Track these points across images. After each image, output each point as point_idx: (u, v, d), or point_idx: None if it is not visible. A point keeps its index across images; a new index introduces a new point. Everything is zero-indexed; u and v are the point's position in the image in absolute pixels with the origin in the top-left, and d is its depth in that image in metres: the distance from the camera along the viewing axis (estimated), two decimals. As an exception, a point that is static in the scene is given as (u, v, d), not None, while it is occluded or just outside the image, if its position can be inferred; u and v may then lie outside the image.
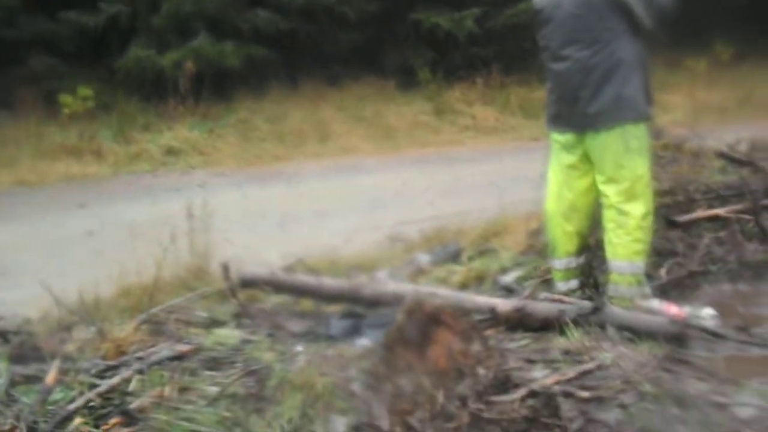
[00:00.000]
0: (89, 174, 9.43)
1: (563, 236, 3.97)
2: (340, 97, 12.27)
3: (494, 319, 3.50)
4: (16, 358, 3.09)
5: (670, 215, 4.52)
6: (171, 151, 10.33)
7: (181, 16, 11.90)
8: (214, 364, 2.88)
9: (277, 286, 3.81)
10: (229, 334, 3.15)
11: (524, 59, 12.25)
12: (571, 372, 2.86)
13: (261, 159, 10.31)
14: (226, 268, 3.90)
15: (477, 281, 4.54)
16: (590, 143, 3.78)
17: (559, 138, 3.92)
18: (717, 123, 8.97)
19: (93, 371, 2.95)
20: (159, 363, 2.84)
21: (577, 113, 3.77)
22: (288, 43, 12.70)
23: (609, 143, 3.72)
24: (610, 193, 3.76)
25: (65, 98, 10.92)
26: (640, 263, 3.75)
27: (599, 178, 3.81)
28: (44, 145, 10.16)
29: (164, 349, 2.92)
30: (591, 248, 4.06)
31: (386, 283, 3.86)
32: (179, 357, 2.87)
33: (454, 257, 5.12)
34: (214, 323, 3.29)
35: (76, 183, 9.03)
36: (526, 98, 12.32)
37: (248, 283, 3.73)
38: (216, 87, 11.59)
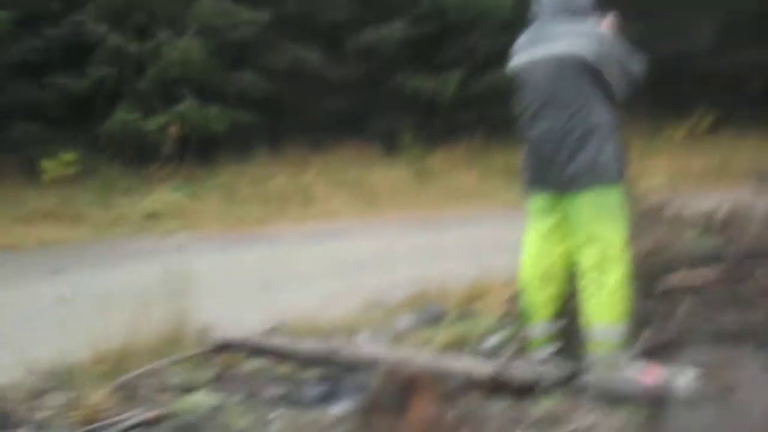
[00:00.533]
0: (67, 239, 9.40)
1: (540, 301, 3.97)
2: (323, 161, 12.37)
3: (472, 384, 3.47)
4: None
5: (649, 281, 4.53)
6: (152, 215, 10.33)
7: (167, 80, 12.02)
8: (186, 429, 2.82)
9: (252, 350, 3.77)
10: (202, 400, 3.09)
11: (507, 124, 12.36)
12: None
13: (243, 222, 10.32)
14: (202, 333, 3.86)
15: (458, 345, 4.51)
16: (568, 206, 3.81)
17: (536, 201, 3.95)
18: (696, 190, 9.07)
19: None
20: (130, 429, 2.78)
21: (555, 176, 3.80)
22: (272, 107, 12.84)
23: (585, 206, 3.75)
24: (587, 256, 3.77)
25: (46, 163, 10.96)
26: (618, 328, 3.74)
27: (576, 242, 3.82)
28: (23, 210, 10.16)
29: (136, 415, 2.86)
30: (568, 313, 4.05)
31: (363, 346, 3.83)
32: (150, 423, 2.81)
33: (435, 320, 5.09)
34: (188, 389, 3.24)
35: (53, 248, 9.00)
36: (508, 162, 12.42)
37: (224, 348, 3.69)
38: (200, 151, 11.68)
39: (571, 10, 3.88)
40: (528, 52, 3.91)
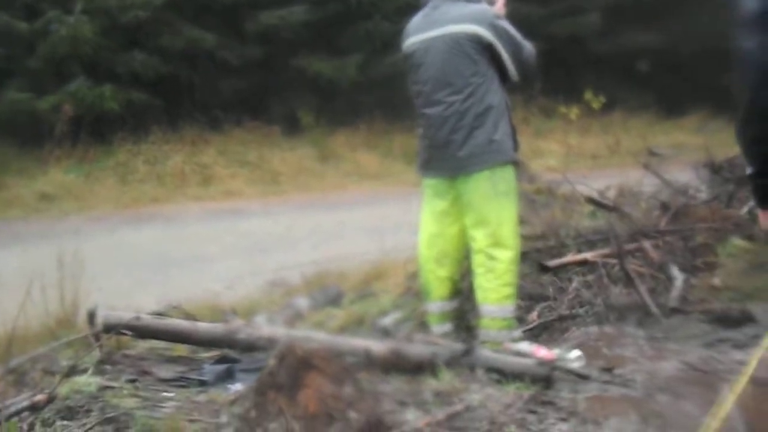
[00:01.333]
0: (-40, 220, 9.01)
1: (436, 281, 4.03)
2: (222, 142, 12.21)
3: (369, 361, 3.50)
4: None
5: (542, 259, 4.66)
6: (45, 197, 10.00)
7: (57, 59, 11.61)
8: (70, 412, 2.77)
9: (145, 332, 3.69)
10: (88, 382, 3.03)
11: (406, 106, 12.47)
12: (440, 414, 2.89)
13: (139, 202, 10.10)
14: (91, 315, 3.77)
15: (356, 325, 4.55)
16: (461, 187, 3.87)
17: (430, 183, 3.99)
18: (589, 169, 9.36)
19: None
20: (15, 414, 2.71)
21: (449, 157, 3.84)
22: (168, 88, 12.56)
23: (478, 186, 3.81)
24: (479, 236, 3.84)
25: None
26: (509, 307, 3.84)
27: (468, 222, 3.88)
28: None
29: (21, 399, 2.78)
30: (463, 292, 4.14)
31: (261, 327, 3.81)
32: (36, 406, 2.74)
33: (335, 301, 5.12)
34: (76, 371, 3.16)
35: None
36: (408, 144, 12.50)
37: (113, 328, 3.60)
38: (94, 131, 11.35)
39: None
40: (420, 33, 3.93)
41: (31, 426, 2.65)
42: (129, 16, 12.05)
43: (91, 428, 2.63)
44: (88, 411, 2.76)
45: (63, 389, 2.89)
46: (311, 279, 5.79)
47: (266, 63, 13.25)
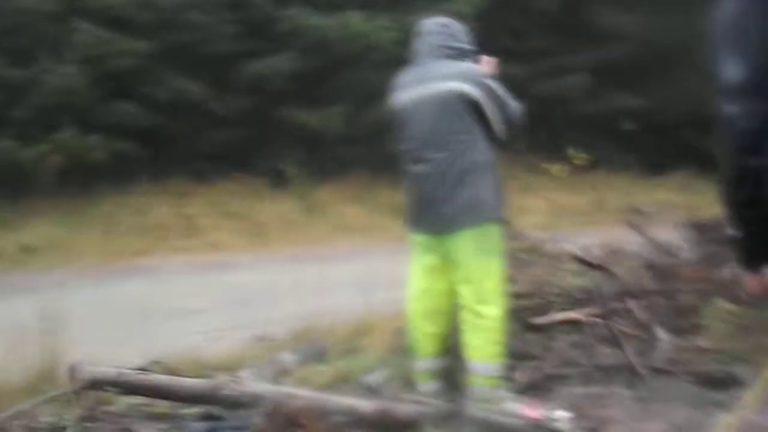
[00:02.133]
0: (-60, 274, 8.91)
1: (424, 337, 4.01)
2: (208, 193, 12.20)
3: (356, 420, 3.47)
4: None
5: (528, 318, 4.65)
6: (28, 249, 9.93)
7: (47, 108, 11.62)
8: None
9: (126, 387, 3.64)
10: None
11: (392, 159, 12.53)
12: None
13: (123, 254, 10.04)
14: (72, 370, 3.71)
15: (342, 381, 4.50)
16: (448, 244, 3.87)
17: (419, 239, 3.99)
18: (573, 226, 9.42)
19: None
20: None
21: (435, 214, 3.85)
22: (154, 139, 12.59)
23: (464, 244, 3.81)
24: (466, 294, 3.84)
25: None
26: (496, 365, 3.82)
27: (456, 279, 3.88)
28: None
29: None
30: (452, 349, 4.11)
31: (246, 383, 3.77)
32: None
33: (320, 357, 5.07)
34: (57, 428, 3.11)
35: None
36: (395, 197, 12.47)
37: (96, 385, 3.55)
38: (80, 182, 11.32)
39: (452, 50, 3.96)
40: (408, 90, 3.96)
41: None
42: (117, 64, 12.09)
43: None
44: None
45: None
46: (297, 333, 5.74)
47: (252, 114, 13.30)
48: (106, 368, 3.67)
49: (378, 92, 13.17)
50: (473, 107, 3.84)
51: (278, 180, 12.98)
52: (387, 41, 13.03)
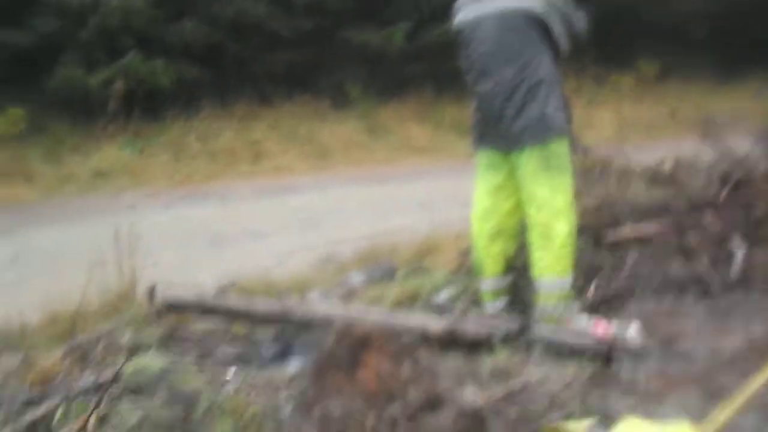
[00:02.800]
0: (18, 197, 9.18)
1: (490, 257, 4.01)
2: (273, 116, 12.22)
3: (426, 339, 3.51)
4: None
5: (597, 234, 4.60)
6: (101, 173, 10.14)
7: (109, 31, 11.67)
8: (137, 391, 2.82)
9: (205, 309, 3.75)
10: (153, 360, 3.09)
11: (456, 77, 12.36)
12: (499, 391, 2.88)
13: (192, 179, 10.20)
14: (151, 293, 3.83)
15: (410, 300, 4.54)
16: (515, 161, 3.84)
17: (485, 157, 3.97)
18: (644, 139, 9.20)
19: (18, 401, 2.87)
20: (83, 392, 2.77)
21: (502, 132, 3.82)
22: (218, 61, 12.60)
23: (532, 161, 3.78)
24: (534, 211, 3.81)
25: (-2, 119, 10.66)
26: (566, 281, 3.81)
27: (523, 197, 3.86)
28: (-29, 168, 9.88)
29: (88, 377, 2.85)
30: (518, 268, 4.10)
31: (317, 304, 3.83)
32: (102, 385, 2.80)
33: (388, 276, 5.11)
34: (137, 349, 3.23)
35: (3, 207, 8.77)
36: (459, 116, 12.40)
37: (174, 307, 3.66)
38: (147, 106, 11.43)
39: None
40: (473, 7, 3.90)
41: (98, 404, 2.70)
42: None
43: (160, 407, 2.68)
44: (154, 390, 2.82)
45: (128, 368, 2.95)
46: (363, 254, 5.79)
47: (313, 35, 13.18)
48: (185, 291, 3.77)
49: (440, 9, 13.00)
50: (538, 22, 3.78)
51: (341, 101, 12.93)
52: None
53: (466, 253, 4.99)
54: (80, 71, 11.39)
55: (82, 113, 11.33)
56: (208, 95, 12.05)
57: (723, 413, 2.52)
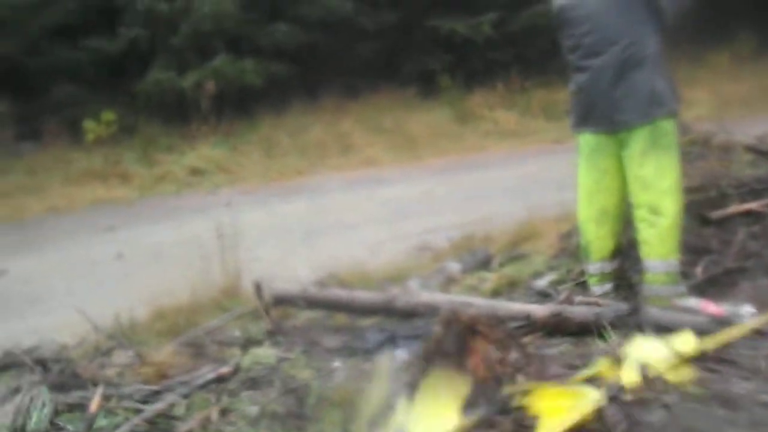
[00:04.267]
0: (116, 197, 9.49)
1: (597, 240, 3.94)
2: (360, 109, 12.28)
3: (531, 325, 3.47)
4: (57, 386, 3.10)
5: (703, 212, 4.46)
6: (195, 172, 10.38)
7: (200, 35, 11.95)
8: (253, 384, 2.88)
9: (310, 302, 3.80)
10: (266, 353, 3.14)
11: (543, 62, 12.20)
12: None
13: (284, 174, 10.34)
14: (258, 287, 3.89)
15: (509, 287, 4.49)
16: (622, 142, 3.76)
17: (588, 138, 3.87)
18: (743, 116, 8.89)
19: (136, 397, 2.96)
20: (201, 386, 2.84)
21: (610, 112, 3.73)
22: (307, 57, 12.74)
23: (641, 140, 3.69)
24: (641, 191, 3.73)
25: (89, 124, 11.04)
26: (674, 261, 3.72)
27: (631, 177, 3.77)
28: (71, 171, 10.26)
29: (205, 372, 2.92)
30: (624, 250, 4.01)
31: (419, 294, 3.83)
32: (220, 379, 2.87)
33: (484, 264, 5.08)
34: (249, 343, 3.29)
35: (103, 207, 9.09)
36: (547, 101, 12.26)
37: (281, 301, 3.72)
38: (237, 105, 11.65)
39: None
40: None
41: (218, 397, 2.76)
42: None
43: (276, 399, 2.72)
44: (270, 382, 2.86)
45: (242, 361, 3.00)
46: (457, 242, 5.77)
47: (400, 25, 13.20)
48: (291, 285, 3.83)
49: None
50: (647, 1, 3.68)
51: (428, 89, 12.92)
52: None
53: (565, 237, 4.91)
54: (171, 74, 11.68)
55: (174, 115, 11.63)
56: (297, 92, 12.20)
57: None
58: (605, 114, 3.76)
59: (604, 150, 3.83)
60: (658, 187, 3.69)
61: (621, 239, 3.99)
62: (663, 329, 3.17)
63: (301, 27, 12.44)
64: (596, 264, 3.97)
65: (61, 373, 3.25)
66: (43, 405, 2.91)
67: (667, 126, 3.72)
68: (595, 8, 3.73)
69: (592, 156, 3.87)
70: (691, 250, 4.10)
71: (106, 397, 2.86)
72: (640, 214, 3.75)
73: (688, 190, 4.42)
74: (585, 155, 3.90)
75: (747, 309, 3.50)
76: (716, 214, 4.44)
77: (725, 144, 5.77)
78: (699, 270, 4.05)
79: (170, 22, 11.89)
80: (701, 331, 3.09)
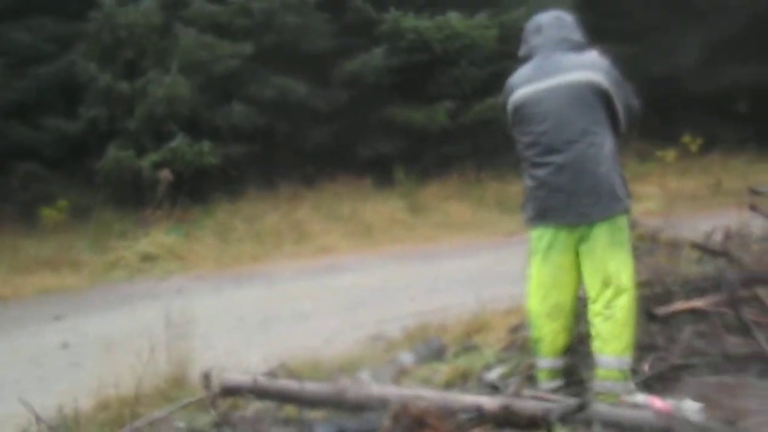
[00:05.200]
0: (66, 285, 9.33)
1: (549, 335, 3.95)
2: (316, 197, 12.38)
3: (481, 417, 3.46)
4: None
5: (649, 308, 4.53)
6: (148, 258, 10.28)
7: (156, 118, 12.01)
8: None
9: (259, 393, 3.75)
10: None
11: (497, 153, 12.49)
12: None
13: (239, 261, 10.29)
14: (206, 377, 3.84)
15: (461, 379, 4.50)
16: (582, 236, 3.82)
17: (546, 234, 3.90)
18: (691, 211, 9.14)
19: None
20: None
21: (573, 205, 3.78)
22: (264, 140, 12.85)
23: (600, 236, 3.77)
24: (598, 286, 3.79)
25: (46, 210, 10.94)
26: (627, 358, 3.77)
27: (589, 271, 3.83)
28: (20, 258, 10.09)
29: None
30: (575, 345, 4.05)
31: (370, 385, 3.80)
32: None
33: (437, 355, 5.08)
34: (196, 434, 3.23)
35: (52, 295, 8.92)
36: (500, 192, 12.49)
37: (230, 391, 3.67)
38: (193, 190, 11.65)
39: (572, 42, 3.93)
40: (534, 84, 3.89)
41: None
42: (221, 69, 12.40)
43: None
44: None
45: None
46: (412, 332, 5.78)
47: (354, 110, 13.40)
48: (240, 375, 3.78)
49: (479, 88, 13.20)
50: (603, 98, 3.80)
51: (384, 179, 13.07)
52: (485, 38, 13.00)
53: (515, 330, 4.95)
54: (130, 154, 11.67)
55: (130, 198, 11.58)
56: (253, 177, 12.28)
57: None
58: (567, 209, 3.81)
59: (561, 245, 3.87)
60: (616, 282, 3.77)
61: (572, 335, 4.02)
62: (611, 425, 3.19)
63: (256, 108, 12.57)
64: (547, 359, 3.98)
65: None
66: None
67: (622, 221, 3.84)
68: (556, 106, 3.82)
69: (549, 251, 3.90)
70: (638, 346, 4.15)
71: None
72: (595, 308, 3.80)
73: (636, 286, 4.51)
74: (540, 250, 3.92)
75: (692, 405, 3.55)
76: (662, 310, 4.51)
77: (672, 240, 5.91)
78: (646, 366, 4.09)
79: (128, 103, 11.95)
80: (648, 428, 3.12)
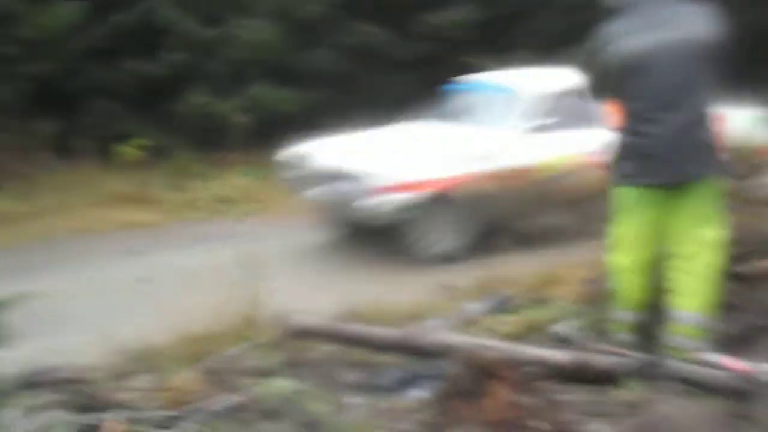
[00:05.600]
0: (144, 221, 9.52)
1: (633, 290, 3.90)
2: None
3: (549, 371, 3.44)
4: (76, 408, 3.11)
5: (732, 267, 4.40)
6: (224, 199, 10.40)
7: (238, 63, 12.09)
8: (269, 415, 2.87)
9: (328, 336, 3.80)
10: (282, 385, 3.14)
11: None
12: (629, 424, 2.79)
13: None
14: (277, 319, 3.90)
15: (529, 331, 4.47)
16: (675, 193, 3.74)
17: (636, 192, 3.82)
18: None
19: (153, 421, 2.96)
20: (217, 414, 2.84)
21: (673, 163, 3.69)
22: (342, 86, 12.83)
23: (700, 195, 3.72)
24: (689, 244, 3.74)
25: (121, 147, 11.14)
26: (704, 315, 3.71)
27: (675, 229, 3.78)
28: (100, 193, 10.31)
29: (221, 400, 2.92)
30: (653, 302, 3.97)
31: (440, 334, 3.81)
32: (236, 408, 2.87)
33: (505, 306, 5.05)
34: (267, 373, 3.29)
35: (130, 231, 9.11)
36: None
37: (300, 333, 3.73)
38: (270, 133, 11.70)
39: None
40: (637, 38, 3.72)
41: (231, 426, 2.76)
42: (305, 15, 12.39)
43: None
44: (284, 414, 2.86)
45: (258, 391, 3.00)
46: (481, 283, 5.73)
47: (434, 60, 13.28)
48: (310, 317, 3.83)
49: (554, 40, 12.84)
50: (707, 54, 3.67)
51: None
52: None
53: (587, 283, 4.87)
54: (208, 99, 11.79)
55: (207, 141, 11.70)
56: (332, 122, 12.27)
57: None
58: (666, 167, 3.71)
59: (650, 202, 3.79)
60: (703, 241, 3.72)
61: (651, 292, 3.95)
62: (684, 382, 3.14)
63: (337, 55, 12.57)
64: (627, 313, 3.93)
65: (79, 395, 3.26)
66: (61, 426, 2.92)
67: (720, 183, 3.77)
68: (668, 62, 3.68)
69: (638, 208, 3.83)
70: (718, 305, 4.05)
71: (122, 421, 2.87)
72: (681, 265, 3.75)
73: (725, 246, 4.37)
74: (628, 207, 3.86)
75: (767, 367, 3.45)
76: (744, 269, 4.38)
77: (756, 198, 5.70)
78: (725, 325, 4.00)
79: (209, 48, 12.04)
80: (725, 387, 3.05)
